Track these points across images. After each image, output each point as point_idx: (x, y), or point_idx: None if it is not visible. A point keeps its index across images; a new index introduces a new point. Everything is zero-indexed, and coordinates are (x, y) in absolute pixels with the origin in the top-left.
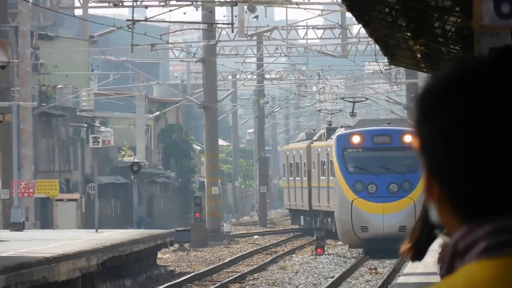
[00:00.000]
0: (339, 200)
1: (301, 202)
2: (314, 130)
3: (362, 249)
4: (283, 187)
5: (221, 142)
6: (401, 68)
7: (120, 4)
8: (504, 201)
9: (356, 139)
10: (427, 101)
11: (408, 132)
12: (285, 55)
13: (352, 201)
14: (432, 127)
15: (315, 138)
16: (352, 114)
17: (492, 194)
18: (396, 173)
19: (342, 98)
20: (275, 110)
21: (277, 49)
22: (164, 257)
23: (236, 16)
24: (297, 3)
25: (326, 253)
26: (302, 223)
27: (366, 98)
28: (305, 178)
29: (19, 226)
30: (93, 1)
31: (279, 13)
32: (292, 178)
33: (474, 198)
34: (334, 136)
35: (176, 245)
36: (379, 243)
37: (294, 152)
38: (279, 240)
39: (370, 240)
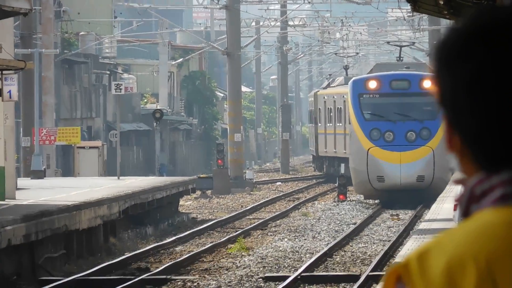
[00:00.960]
0: (355, 148)
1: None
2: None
3: (378, 201)
4: (319, 133)
5: (244, 88)
6: (424, 15)
7: None
8: None
9: (372, 84)
10: (450, 52)
11: (427, 77)
12: (309, 2)
13: (368, 149)
14: (456, 78)
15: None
16: (399, 59)
17: None
18: (414, 120)
19: (388, 42)
20: (298, 57)
21: None
22: (186, 204)
23: None
24: None
25: (349, 199)
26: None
27: (413, 43)
28: (339, 124)
29: (40, 174)
30: None
31: None
32: (320, 124)
33: (497, 148)
34: (350, 82)
35: (199, 192)
36: (396, 194)
37: (325, 97)
38: (301, 187)
39: (387, 191)
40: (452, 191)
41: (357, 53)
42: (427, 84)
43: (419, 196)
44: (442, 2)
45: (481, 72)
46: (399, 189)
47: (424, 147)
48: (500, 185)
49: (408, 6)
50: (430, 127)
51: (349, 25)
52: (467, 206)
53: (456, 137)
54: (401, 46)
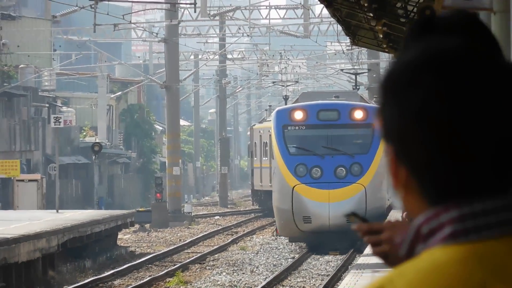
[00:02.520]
0: (278, 186)
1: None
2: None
3: (304, 244)
4: (255, 167)
5: (182, 122)
6: (363, 48)
7: None
8: (476, 185)
9: (298, 115)
10: (397, 80)
11: (359, 107)
12: (248, 35)
13: (293, 187)
14: (404, 107)
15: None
16: (355, 87)
17: (467, 178)
18: (344, 154)
19: (341, 70)
20: (237, 91)
21: (239, 29)
22: (125, 237)
23: None
24: None
25: None
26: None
27: (369, 70)
28: (265, 158)
29: None
30: None
31: None
32: (255, 158)
33: (448, 178)
34: (273, 112)
35: (137, 226)
36: (324, 237)
37: (260, 131)
38: (239, 221)
39: (314, 233)
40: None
41: (297, 81)
42: (359, 114)
43: (349, 238)
44: (381, 36)
45: (431, 100)
46: (328, 231)
47: (355, 184)
48: (450, 222)
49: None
50: (362, 162)
51: (288, 58)
52: (411, 245)
53: (402, 170)
54: (356, 74)
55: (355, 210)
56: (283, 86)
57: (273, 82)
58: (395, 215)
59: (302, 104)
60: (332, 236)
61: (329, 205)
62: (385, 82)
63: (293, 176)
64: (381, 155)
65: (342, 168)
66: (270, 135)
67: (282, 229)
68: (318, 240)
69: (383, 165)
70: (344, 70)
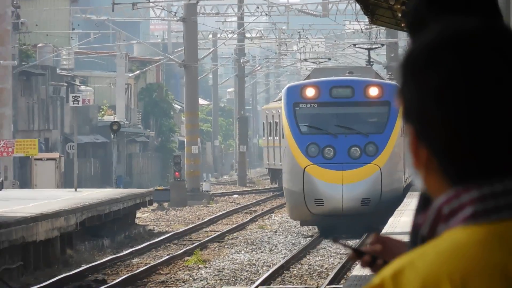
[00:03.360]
0: (289, 166)
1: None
2: None
3: (316, 227)
4: (263, 147)
5: (201, 101)
6: (381, 27)
7: None
8: (495, 166)
9: (310, 92)
10: (416, 61)
11: (374, 84)
12: (266, 14)
13: (305, 168)
14: (423, 88)
15: None
16: (369, 63)
17: (486, 158)
18: (358, 133)
19: (354, 45)
20: (255, 70)
21: (258, 8)
22: (143, 216)
23: None
24: None
25: None
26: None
27: (382, 44)
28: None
29: None
30: None
31: None
32: (271, 137)
33: (468, 159)
34: (284, 89)
35: (155, 204)
36: (337, 221)
37: (273, 111)
38: (258, 200)
39: (326, 216)
40: (410, 204)
41: (329, 59)
42: (374, 91)
43: (365, 222)
44: (399, 15)
45: (451, 80)
46: (341, 214)
47: (370, 164)
48: (470, 202)
49: (366, 19)
50: (377, 141)
51: (307, 37)
52: (433, 226)
53: (423, 150)
54: (369, 49)
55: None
56: (315, 62)
57: (305, 59)
58: (412, 197)
59: (314, 80)
60: (345, 220)
61: (342, 186)
62: (404, 63)
63: (304, 156)
64: (397, 135)
65: (356, 148)
66: (279, 114)
67: (293, 212)
68: (330, 224)
69: (399, 144)
70: (357, 45)
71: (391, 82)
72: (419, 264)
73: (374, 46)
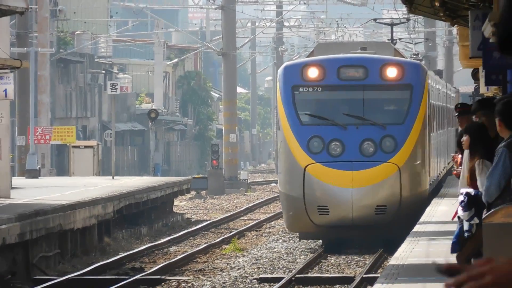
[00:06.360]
0: (286, 165)
1: None
2: None
3: (320, 241)
4: None
5: (239, 89)
6: (419, 16)
7: None
8: None
9: (312, 73)
10: None
11: (392, 63)
12: (304, 3)
13: (305, 167)
14: None
15: None
16: (392, 41)
17: None
18: (373, 124)
19: (374, 20)
20: (293, 58)
21: None
22: (181, 204)
23: None
24: None
25: None
26: None
27: (408, 20)
28: None
29: (34, 173)
30: None
31: None
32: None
33: None
34: (280, 69)
35: (193, 193)
36: (346, 233)
37: None
38: None
39: (332, 227)
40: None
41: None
42: (392, 72)
43: (379, 235)
44: (438, 4)
45: None
46: (350, 225)
47: (387, 163)
48: None
49: (404, 8)
50: (396, 134)
51: (345, 26)
52: None
53: None
54: (392, 25)
55: (387, 202)
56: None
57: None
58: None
59: (318, 58)
60: (356, 233)
61: (352, 190)
62: None
63: (305, 152)
64: (420, 126)
65: (369, 143)
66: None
67: (291, 223)
68: (337, 237)
69: (423, 138)
70: (378, 20)
71: (413, 61)
72: None
73: (396, 22)
